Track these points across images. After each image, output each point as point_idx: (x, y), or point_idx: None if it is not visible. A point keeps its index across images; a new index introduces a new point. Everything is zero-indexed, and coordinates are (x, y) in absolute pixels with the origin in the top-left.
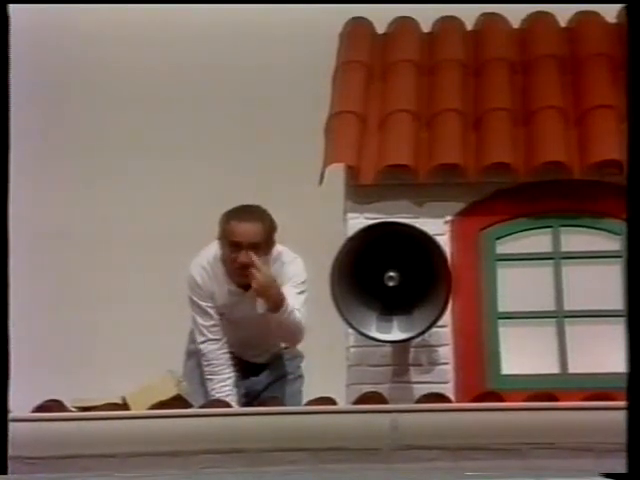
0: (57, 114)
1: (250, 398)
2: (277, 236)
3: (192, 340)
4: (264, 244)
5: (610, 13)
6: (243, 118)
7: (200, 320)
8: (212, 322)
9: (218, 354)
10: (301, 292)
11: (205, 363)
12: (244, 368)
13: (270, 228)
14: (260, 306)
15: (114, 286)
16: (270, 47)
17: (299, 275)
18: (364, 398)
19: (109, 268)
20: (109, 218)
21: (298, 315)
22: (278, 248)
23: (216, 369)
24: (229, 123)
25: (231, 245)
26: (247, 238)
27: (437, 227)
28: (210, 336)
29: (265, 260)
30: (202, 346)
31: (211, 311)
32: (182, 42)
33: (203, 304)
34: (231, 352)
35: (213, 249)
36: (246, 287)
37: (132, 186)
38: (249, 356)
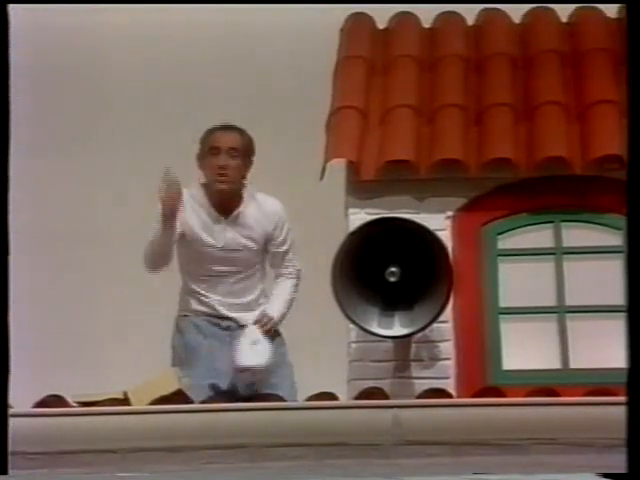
0: (57, 113)
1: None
2: None
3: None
4: (242, 152)
5: (611, 9)
6: (244, 114)
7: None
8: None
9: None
10: (292, 277)
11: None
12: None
13: (249, 141)
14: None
15: (115, 282)
16: (270, 43)
17: (287, 239)
18: (366, 393)
19: (110, 264)
20: (110, 217)
21: (284, 308)
22: (256, 192)
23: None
24: (229, 121)
25: (211, 151)
26: (226, 143)
27: (438, 222)
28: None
29: (242, 170)
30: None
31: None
32: (182, 41)
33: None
34: (216, 313)
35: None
36: (226, 213)
37: (133, 185)
38: (234, 308)
